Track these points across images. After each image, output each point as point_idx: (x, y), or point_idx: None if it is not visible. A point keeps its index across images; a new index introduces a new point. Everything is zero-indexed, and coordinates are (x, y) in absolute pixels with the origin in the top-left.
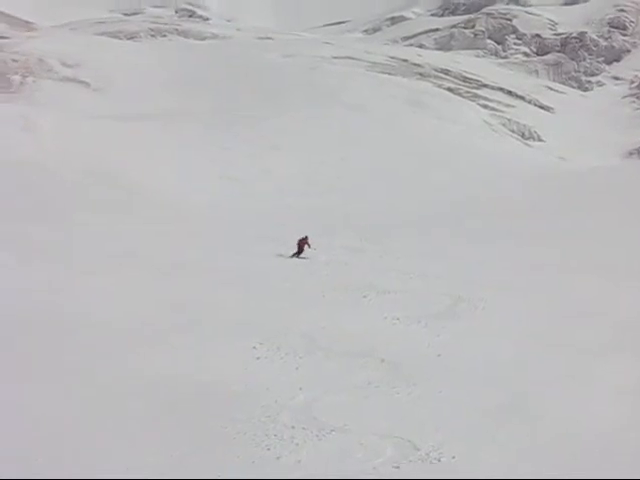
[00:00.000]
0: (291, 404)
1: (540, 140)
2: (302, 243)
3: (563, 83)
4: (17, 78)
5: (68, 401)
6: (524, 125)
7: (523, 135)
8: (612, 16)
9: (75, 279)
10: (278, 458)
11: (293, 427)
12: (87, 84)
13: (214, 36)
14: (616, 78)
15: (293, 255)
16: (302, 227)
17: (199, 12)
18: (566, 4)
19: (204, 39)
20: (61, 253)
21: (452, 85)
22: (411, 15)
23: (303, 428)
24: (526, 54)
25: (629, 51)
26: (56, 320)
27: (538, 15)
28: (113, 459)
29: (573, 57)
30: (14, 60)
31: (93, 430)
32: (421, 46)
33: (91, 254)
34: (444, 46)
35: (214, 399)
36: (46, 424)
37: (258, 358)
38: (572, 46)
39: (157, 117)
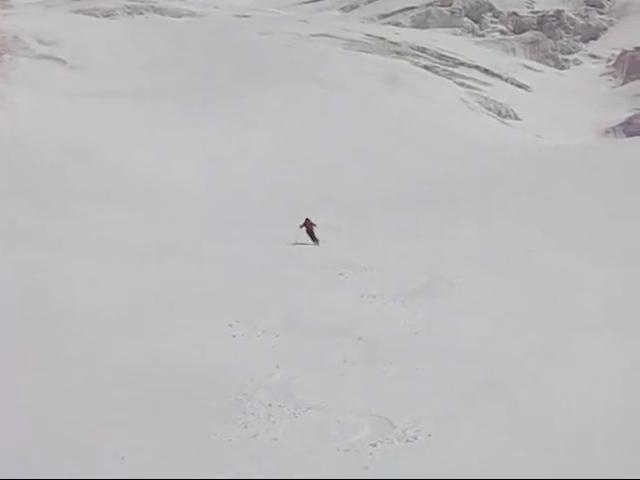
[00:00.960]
0: (268, 382)
1: (517, 118)
2: (309, 226)
3: (540, 61)
4: None
5: (54, 391)
6: (501, 103)
7: (500, 113)
8: None
9: (57, 263)
10: (255, 436)
11: (270, 405)
12: (64, 62)
13: (191, 14)
14: (593, 56)
15: (312, 240)
16: (285, 204)
17: None
18: None
19: (181, 16)
20: (43, 236)
21: (429, 63)
22: None
23: (280, 406)
24: (503, 32)
25: (606, 29)
26: (39, 304)
27: None
28: (99, 445)
29: (550, 35)
30: None
31: (80, 419)
32: (398, 24)
33: (72, 237)
34: (421, 24)
35: (190, 378)
36: (33, 415)
37: (234, 336)
38: (549, 24)
39: (134, 95)
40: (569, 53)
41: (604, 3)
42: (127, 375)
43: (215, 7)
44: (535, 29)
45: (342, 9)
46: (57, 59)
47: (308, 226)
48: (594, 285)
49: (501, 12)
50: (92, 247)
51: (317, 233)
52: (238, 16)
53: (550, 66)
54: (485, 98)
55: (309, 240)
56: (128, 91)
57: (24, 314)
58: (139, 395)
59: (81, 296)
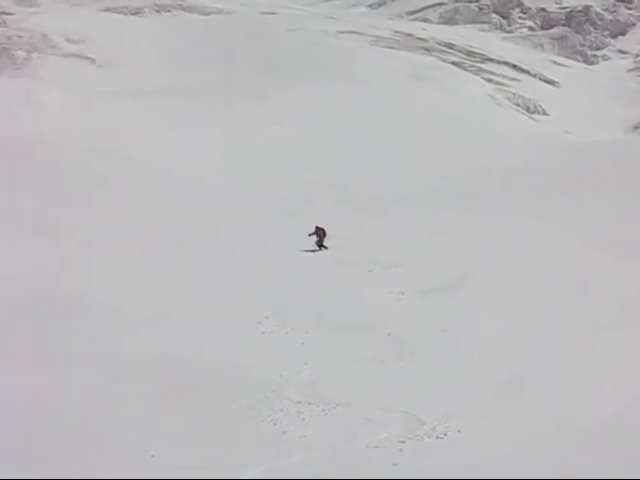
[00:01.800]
0: (297, 379)
1: (545, 114)
2: (320, 234)
3: (568, 57)
4: (21, 54)
5: (79, 387)
6: (529, 99)
7: (528, 109)
8: None
9: (84, 256)
10: (284, 433)
11: (299, 402)
12: (92, 60)
13: (218, 11)
14: (621, 52)
15: (319, 248)
16: (304, 202)
17: None
18: None
19: (208, 14)
20: (68, 231)
21: (456, 59)
22: None
23: (309, 403)
24: (531, 28)
25: (634, 25)
26: (62, 297)
27: None
28: (126, 442)
29: (578, 31)
30: (18, 36)
31: (108, 416)
32: (426, 20)
33: (97, 233)
34: (449, 20)
35: (219, 375)
36: (59, 412)
37: (263, 333)
38: (577, 20)
39: (160, 93)
40: (597, 49)
41: None
42: (154, 371)
43: (242, 4)
44: (563, 25)
45: (370, 6)
46: (85, 57)
47: (319, 234)
48: (615, 281)
49: (529, 8)
50: (117, 243)
51: (327, 241)
52: (265, 13)
53: (578, 62)
54: (513, 94)
55: (317, 247)
56: (155, 89)
57: (53, 310)
58: (166, 391)
59: (107, 291)
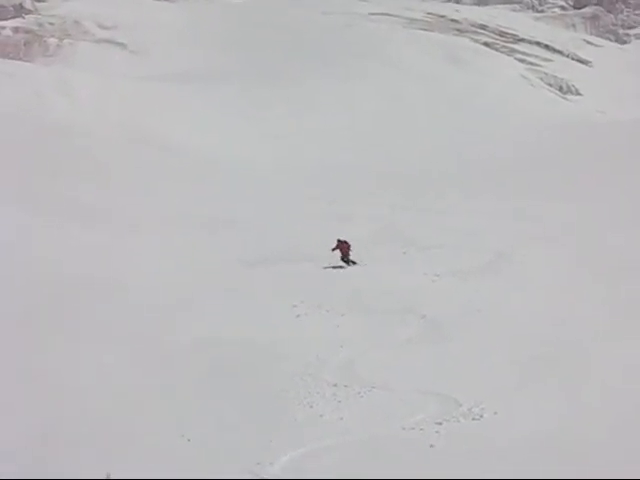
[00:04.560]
0: (333, 362)
1: (578, 94)
2: (344, 248)
3: (600, 36)
4: (54, 41)
5: (115, 368)
6: (562, 79)
7: (561, 89)
8: None
9: (121, 240)
10: (321, 416)
11: (335, 385)
12: (124, 45)
13: None
14: None
15: (346, 264)
16: (342, 184)
17: None
18: None
19: None
20: (108, 216)
21: (489, 40)
22: None
23: (345, 385)
24: (563, 8)
25: None
26: (104, 282)
27: None
28: (164, 426)
29: (610, 10)
30: (50, 23)
31: (146, 398)
32: (458, 1)
33: (134, 214)
34: (481, 1)
35: (255, 358)
36: (101, 394)
37: (298, 316)
38: None
39: (194, 78)
40: (630, 28)
41: None
42: (191, 354)
43: None
44: (595, 4)
45: None
46: (117, 43)
47: (343, 249)
48: None
49: None
50: (153, 227)
51: (352, 254)
52: None
53: (611, 41)
54: (546, 74)
55: (343, 262)
56: (186, 74)
57: (91, 293)
58: (203, 374)
59: (144, 275)
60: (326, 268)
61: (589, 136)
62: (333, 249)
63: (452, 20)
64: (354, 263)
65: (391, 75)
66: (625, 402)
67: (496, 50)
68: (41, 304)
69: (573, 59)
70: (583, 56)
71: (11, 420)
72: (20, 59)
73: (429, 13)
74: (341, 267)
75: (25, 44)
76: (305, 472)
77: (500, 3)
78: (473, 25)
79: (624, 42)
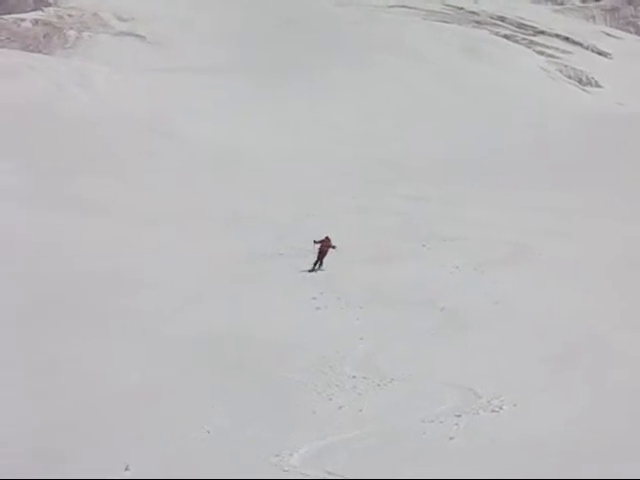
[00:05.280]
0: (352, 354)
1: (598, 86)
2: (324, 246)
3: (620, 29)
4: (73, 33)
5: (131, 362)
6: (581, 71)
7: (580, 81)
8: None
9: (138, 233)
10: (340, 408)
11: (354, 377)
12: (142, 38)
13: None
14: None
15: (313, 268)
16: (360, 177)
17: None
18: None
19: None
20: (121, 207)
21: (508, 32)
22: None
23: (364, 377)
24: (582, 0)
25: None
26: (119, 276)
27: None
28: (183, 418)
29: (630, 2)
30: (69, 15)
31: (162, 390)
32: None
33: (151, 207)
34: None
35: (275, 350)
36: (113, 388)
37: (318, 308)
38: None
39: (211, 70)
40: None
41: None
42: (208, 345)
43: None
44: None
45: None
46: (136, 35)
47: (324, 245)
48: None
49: None
50: (171, 219)
51: (328, 256)
52: None
53: (631, 33)
54: (565, 66)
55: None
56: (207, 67)
57: (100, 285)
58: (220, 366)
59: (162, 268)
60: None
61: (609, 128)
62: (316, 242)
63: (471, 12)
64: (320, 265)
65: (409, 67)
66: None
67: (515, 42)
68: (52, 298)
69: (593, 51)
70: (603, 48)
71: (17, 412)
72: (40, 51)
73: (447, 5)
74: (313, 270)
75: (44, 36)
76: (324, 463)
77: None
78: (492, 17)
79: None
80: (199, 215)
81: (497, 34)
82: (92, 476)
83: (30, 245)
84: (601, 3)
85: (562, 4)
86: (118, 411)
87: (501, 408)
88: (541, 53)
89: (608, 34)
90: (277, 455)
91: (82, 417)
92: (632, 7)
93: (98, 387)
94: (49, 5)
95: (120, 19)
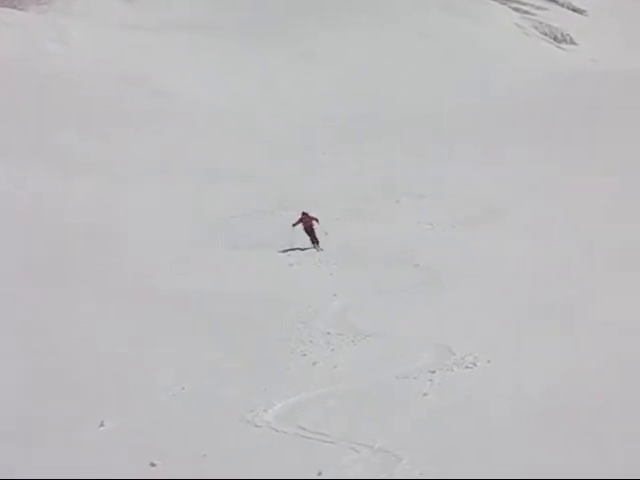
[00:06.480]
0: (326, 310)
1: (573, 43)
2: (307, 224)
3: None
4: None
5: (115, 319)
6: (556, 28)
7: (555, 38)
8: None
9: (118, 192)
10: (314, 364)
11: (328, 333)
12: None
13: None
14: None
15: (312, 245)
16: (336, 137)
17: None
18: None
19: None
20: (101, 165)
21: None
22: None
23: (338, 334)
24: None
25: None
26: (104, 237)
27: None
28: (161, 375)
29: None
30: None
31: (144, 345)
32: None
33: (137, 165)
34: None
35: (249, 308)
36: (91, 338)
37: (291, 265)
38: None
39: (192, 28)
40: None
41: None
42: (187, 304)
43: None
44: None
45: None
46: None
47: (306, 222)
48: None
49: None
50: (151, 178)
51: (319, 230)
52: None
53: None
54: (540, 23)
55: (307, 243)
56: (185, 24)
57: (91, 243)
58: (199, 323)
59: (142, 227)
60: (280, 252)
61: (583, 85)
62: (294, 224)
63: None
64: (317, 242)
65: (388, 28)
66: (625, 348)
67: None
68: (40, 253)
69: (568, 8)
70: (578, 5)
71: (2, 370)
72: (14, 7)
73: None
74: (300, 249)
75: None
76: (298, 419)
77: None
78: None
79: None
80: (182, 172)
81: None
82: (66, 434)
83: (11, 201)
84: None
85: None
86: (94, 369)
87: (475, 365)
88: (516, 10)
89: None
90: (251, 411)
91: (65, 378)
92: None
93: (81, 348)
94: None
95: None
